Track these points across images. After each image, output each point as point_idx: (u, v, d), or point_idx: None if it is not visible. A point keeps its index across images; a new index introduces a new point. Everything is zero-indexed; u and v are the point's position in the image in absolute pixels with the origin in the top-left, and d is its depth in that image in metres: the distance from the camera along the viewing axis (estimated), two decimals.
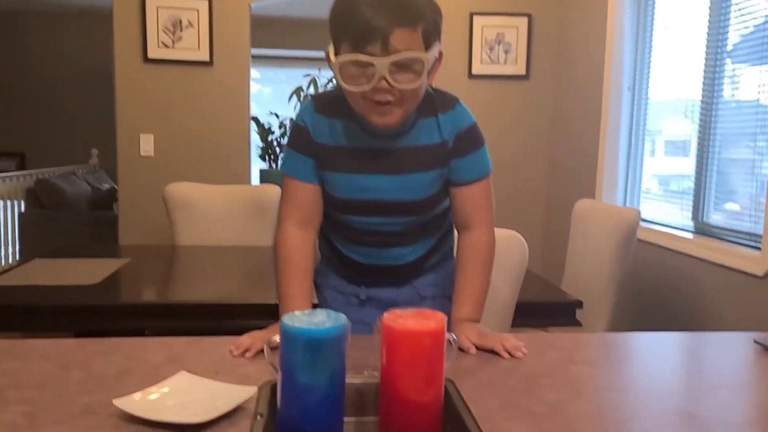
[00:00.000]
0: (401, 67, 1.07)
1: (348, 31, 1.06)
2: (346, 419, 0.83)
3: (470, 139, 1.24)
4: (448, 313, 1.40)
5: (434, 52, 1.12)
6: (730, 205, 2.57)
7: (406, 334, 0.73)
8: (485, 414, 0.87)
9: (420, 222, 1.27)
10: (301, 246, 1.24)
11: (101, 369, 1.01)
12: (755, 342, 1.23)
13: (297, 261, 1.23)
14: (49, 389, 0.93)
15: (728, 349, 1.21)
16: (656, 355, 1.16)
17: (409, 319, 0.74)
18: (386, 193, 1.22)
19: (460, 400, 0.80)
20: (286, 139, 4.20)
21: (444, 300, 1.35)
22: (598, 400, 0.93)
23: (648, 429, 0.83)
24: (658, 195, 3.14)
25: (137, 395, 0.87)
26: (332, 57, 1.12)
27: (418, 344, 0.73)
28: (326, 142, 1.22)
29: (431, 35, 1.10)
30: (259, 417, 0.74)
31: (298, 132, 1.24)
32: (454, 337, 0.93)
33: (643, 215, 3.18)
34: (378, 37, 1.04)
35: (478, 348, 1.14)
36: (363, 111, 1.14)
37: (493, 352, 1.12)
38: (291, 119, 4.20)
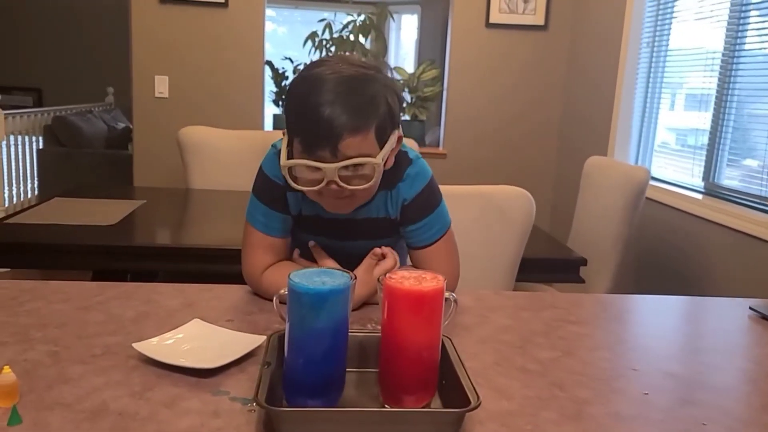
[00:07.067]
0: (352, 171, 1.04)
1: (299, 131, 1.03)
2: (348, 370, 0.88)
3: (419, 206, 1.20)
4: None
5: (391, 142, 1.08)
6: (743, 166, 2.56)
7: (407, 294, 0.77)
8: (480, 369, 0.93)
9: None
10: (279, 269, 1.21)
11: (119, 312, 1.07)
12: (750, 309, 1.27)
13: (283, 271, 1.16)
14: (71, 330, 0.99)
15: (723, 315, 1.24)
16: (650, 317, 1.20)
17: (409, 280, 0.78)
18: (343, 250, 1.23)
19: (456, 356, 0.85)
20: None
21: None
22: (589, 359, 0.98)
23: (630, 388, 0.88)
24: (672, 152, 3.12)
25: (154, 340, 0.93)
26: (283, 153, 1.07)
27: (418, 304, 0.77)
28: (292, 209, 1.21)
29: (385, 130, 1.06)
30: (267, 366, 0.79)
31: (271, 188, 1.19)
32: (455, 296, 0.97)
33: (655, 173, 3.18)
34: (327, 144, 1.00)
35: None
36: (316, 200, 1.13)
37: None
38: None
